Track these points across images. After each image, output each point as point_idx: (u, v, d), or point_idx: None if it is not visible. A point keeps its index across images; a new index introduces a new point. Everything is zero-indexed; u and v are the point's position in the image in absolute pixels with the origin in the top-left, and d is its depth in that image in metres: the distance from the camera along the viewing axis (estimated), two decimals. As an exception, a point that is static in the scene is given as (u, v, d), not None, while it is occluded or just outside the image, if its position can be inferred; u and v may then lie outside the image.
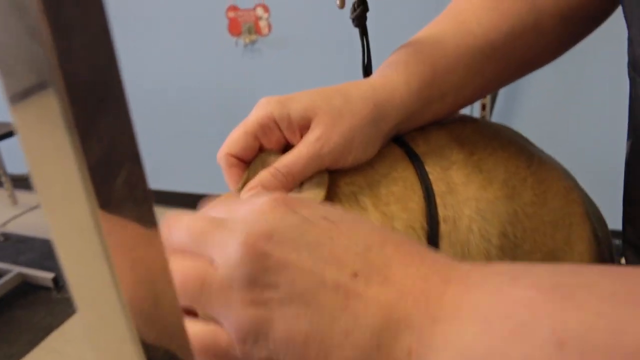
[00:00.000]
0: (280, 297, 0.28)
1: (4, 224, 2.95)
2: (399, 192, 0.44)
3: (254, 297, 0.28)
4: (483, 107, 1.81)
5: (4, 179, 3.13)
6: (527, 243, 0.45)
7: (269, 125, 0.43)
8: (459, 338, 0.25)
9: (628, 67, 0.46)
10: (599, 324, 0.22)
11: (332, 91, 0.45)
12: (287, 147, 0.45)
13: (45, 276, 2.36)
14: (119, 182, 0.17)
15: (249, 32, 2.66)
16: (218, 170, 0.45)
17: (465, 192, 0.45)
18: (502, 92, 2.20)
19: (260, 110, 0.43)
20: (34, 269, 2.42)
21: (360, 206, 0.43)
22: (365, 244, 0.30)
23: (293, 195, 0.43)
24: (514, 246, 0.45)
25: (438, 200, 0.44)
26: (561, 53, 0.56)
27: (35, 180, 0.17)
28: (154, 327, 0.19)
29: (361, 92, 0.45)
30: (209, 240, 0.30)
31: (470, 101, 0.52)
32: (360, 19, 0.51)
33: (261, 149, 0.45)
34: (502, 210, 0.45)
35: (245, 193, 0.42)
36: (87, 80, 0.16)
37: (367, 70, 0.54)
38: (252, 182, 0.43)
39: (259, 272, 0.28)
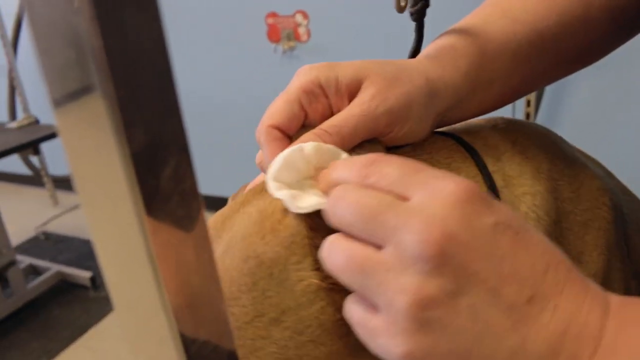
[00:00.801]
0: (451, 305, 0.27)
1: (45, 223, 3.02)
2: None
3: (423, 297, 0.26)
4: (528, 103, 1.76)
5: (45, 179, 3.21)
6: (562, 244, 0.42)
7: (315, 92, 0.39)
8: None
9: None
10: None
11: (383, 61, 0.41)
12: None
13: (83, 275, 2.40)
14: (166, 173, 0.16)
15: (288, 38, 2.67)
16: (256, 175, 0.43)
17: (521, 185, 0.42)
18: (548, 91, 2.15)
19: (304, 76, 0.39)
20: (73, 267, 2.46)
21: None
22: (544, 262, 0.28)
23: None
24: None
25: (501, 198, 0.41)
26: (611, 50, 0.53)
27: (76, 178, 0.17)
28: (197, 328, 0.18)
29: (413, 65, 0.41)
30: (380, 225, 0.28)
31: (516, 92, 0.49)
32: (420, 14, 0.49)
33: (304, 124, 0.40)
34: (551, 206, 0.42)
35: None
36: (135, 74, 0.15)
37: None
38: (294, 145, 0.37)
39: (435, 272, 0.26)
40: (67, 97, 0.15)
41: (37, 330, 2.18)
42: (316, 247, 0.33)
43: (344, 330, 0.33)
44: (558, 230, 0.42)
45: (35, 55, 0.15)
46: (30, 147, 2.41)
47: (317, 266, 0.33)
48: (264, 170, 0.40)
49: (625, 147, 2.15)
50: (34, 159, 3.18)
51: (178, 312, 0.16)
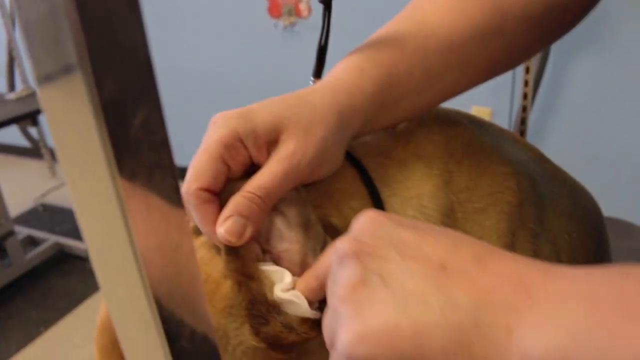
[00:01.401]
0: (369, 285, 0.30)
1: (43, 195, 3.03)
2: (358, 207, 0.43)
3: (348, 286, 0.31)
4: (526, 83, 1.76)
5: (44, 151, 3.22)
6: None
7: (235, 145, 0.39)
8: (563, 315, 0.25)
9: None
10: None
11: (295, 99, 0.42)
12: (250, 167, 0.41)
13: (81, 246, 2.42)
14: (136, 123, 0.17)
15: (289, 14, 2.65)
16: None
17: (407, 189, 0.44)
18: (545, 82, 2.15)
19: (222, 129, 0.39)
20: (70, 239, 2.48)
21: (336, 231, 0.41)
22: (453, 243, 0.31)
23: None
24: None
25: (386, 208, 0.44)
26: (528, 57, 0.54)
27: (51, 127, 0.17)
28: (169, 282, 0.19)
29: (324, 100, 0.42)
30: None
31: (429, 106, 0.50)
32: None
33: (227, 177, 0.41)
34: (442, 202, 0.44)
35: (219, 225, 0.38)
36: (106, 26, 0.16)
37: (322, 50, 0.52)
38: (227, 210, 0.38)
39: (352, 264, 0.31)
40: (40, 47, 0.16)
41: (35, 299, 2.21)
42: (252, 315, 0.38)
43: None
44: (452, 222, 0.44)
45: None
46: (28, 119, 2.42)
47: (255, 331, 0.38)
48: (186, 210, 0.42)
49: (626, 131, 2.16)
50: (33, 131, 3.18)
51: (146, 254, 0.17)
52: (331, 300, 0.32)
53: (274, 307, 0.38)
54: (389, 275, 0.30)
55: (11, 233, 2.19)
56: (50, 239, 2.46)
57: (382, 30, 0.49)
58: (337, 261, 0.33)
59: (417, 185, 0.45)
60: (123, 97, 0.16)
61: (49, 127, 0.17)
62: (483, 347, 0.27)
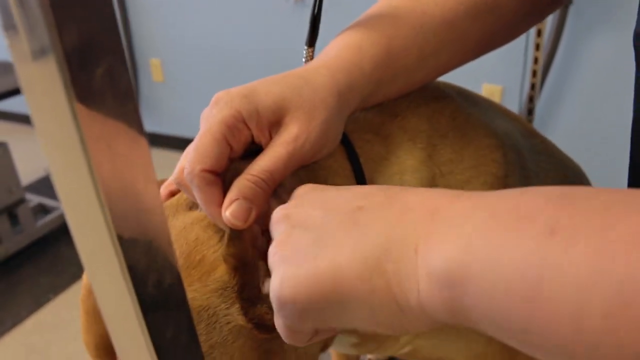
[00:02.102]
0: (293, 231, 0.33)
1: (55, 164, 3.07)
2: (342, 184, 0.44)
3: (280, 241, 0.34)
4: (535, 60, 1.74)
5: (56, 121, 3.24)
6: None
7: (237, 126, 0.40)
8: (463, 231, 0.27)
9: (633, 37, 0.44)
10: (590, 221, 0.23)
11: (297, 79, 0.42)
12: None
13: (90, 216, 2.45)
14: (99, 72, 0.17)
15: (300, -13, 2.62)
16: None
17: (390, 167, 0.45)
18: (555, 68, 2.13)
19: (225, 109, 0.40)
20: (80, 208, 2.51)
21: None
22: (370, 191, 0.33)
23: None
24: None
25: (369, 184, 0.45)
26: (519, 34, 0.54)
27: (21, 78, 0.18)
28: (134, 226, 0.20)
29: (324, 80, 0.43)
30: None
31: (422, 82, 0.50)
32: None
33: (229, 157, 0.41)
34: (423, 175, 0.45)
35: (225, 208, 0.39)
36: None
37: (315, 19, 0.53)
38: (232, 194, 0.39)
39: (284, 221, 0.34)
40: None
41: (45, 266, 2.26)
42: (242, 298, 0.40)
43: (260, 356, 0.41)
44: None
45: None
46: (39, 88, 2.42)
47: (244, 312, 0.40)
48: (183, 190, 0.43)
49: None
50: (45, 101, 3.20)
51: (110, 198, 0.18)
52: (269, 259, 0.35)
53: (265, 295, 0.40)
54: (311, 225, 0.32)
55: (22, 201, 2.22)
56: (61, 207, 2.49)
57: (377, 6, 0.50)
58: (272, 228, 0.35)
59: (400, 161, 0.45)
60: (86, 46, 0.17)
61: (19, 80, 0.18)
62: (395, 267, 0.29)
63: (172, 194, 0.47)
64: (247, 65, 2.86)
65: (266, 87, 0.41)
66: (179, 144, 3.06)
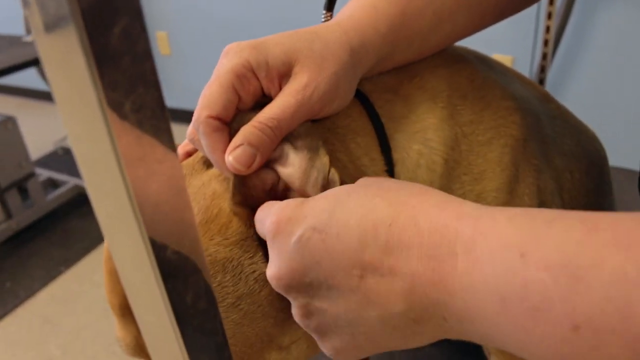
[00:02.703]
0: (309, 312, 0.36)
1: (64, 138, 3.07)
2: (363, 143, 0.44)
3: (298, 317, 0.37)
4: (547, 29, 1.71)
5: (63, 95, 3.24)
6: (462, 166, 0.45)
7: (246, 75, 0.39)
8: (481, 312, 0.28)
9: None
10: (609, 308, 0.23)
11: (308, 34, 0.42)
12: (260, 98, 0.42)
13: (100, 190, 2.46)
14: (116, 32, 0.17)
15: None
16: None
17: (412, 123, 0.45)
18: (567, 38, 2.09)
19: (235, 58, 0.39)
20: (90, 182, 2.53)
21: (341, 164, 0.42)
22: (357, 242, 0.32)
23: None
24: (451, 170, 0.45)
25: (391, 144, 0.44)
26: (536, 1, 0.53)
27: (37, 40, 0.18)
28: (154, 194, 0.20)
29: (337, 37, 0.42)
30: None
31: (438, 48, 0.49)
32: None
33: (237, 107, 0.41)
34: (446, 134, 0.44)
35: (228, 153, 0.38)
36: None
37: None
38: (237, 139, 0.38)
39: (291, 297, 0.36)
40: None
41: (56, 240, 2.28)
42: (262, 245, 0.39)
43: (283, 304, 0.40)
44: (456, 154, 0.45)
45: None
46: (46, 62, 2.41)
47: (266, 258, 0.40)
48: (196, 145, 0.42)
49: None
50: (52, 75, 3.20)
51: (129, 166, 0.18)
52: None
53: None
54: (326, 304, 0.34)
55: (32, 175, 2.24)
56: (70, 181, 2.51)
57: None
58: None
59: (421, 118, 0.45)
60: (103, 4, 0.16)
61: (36, 42, 0.18)
62: (396, 235, 0.31)
63: (189, 154, 0.46)
64: (256, 37, 2.83)
65: (277, 40, 0.41)
66: (186, 117, 3.05)
